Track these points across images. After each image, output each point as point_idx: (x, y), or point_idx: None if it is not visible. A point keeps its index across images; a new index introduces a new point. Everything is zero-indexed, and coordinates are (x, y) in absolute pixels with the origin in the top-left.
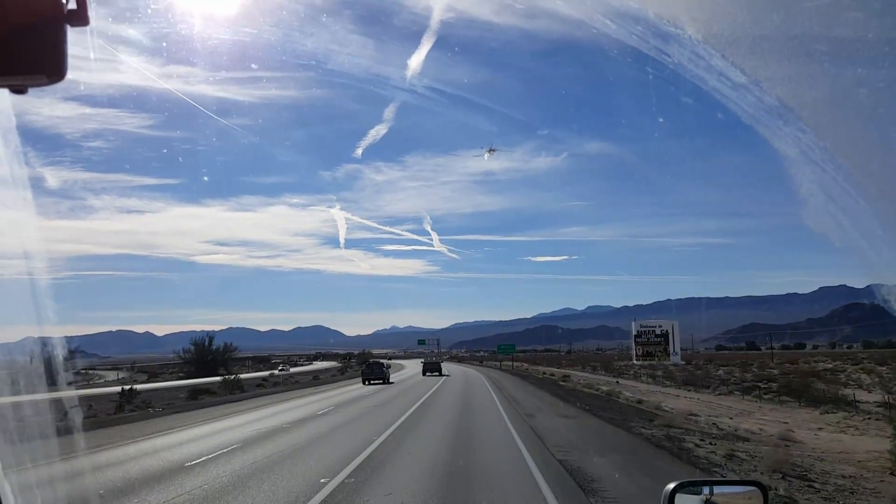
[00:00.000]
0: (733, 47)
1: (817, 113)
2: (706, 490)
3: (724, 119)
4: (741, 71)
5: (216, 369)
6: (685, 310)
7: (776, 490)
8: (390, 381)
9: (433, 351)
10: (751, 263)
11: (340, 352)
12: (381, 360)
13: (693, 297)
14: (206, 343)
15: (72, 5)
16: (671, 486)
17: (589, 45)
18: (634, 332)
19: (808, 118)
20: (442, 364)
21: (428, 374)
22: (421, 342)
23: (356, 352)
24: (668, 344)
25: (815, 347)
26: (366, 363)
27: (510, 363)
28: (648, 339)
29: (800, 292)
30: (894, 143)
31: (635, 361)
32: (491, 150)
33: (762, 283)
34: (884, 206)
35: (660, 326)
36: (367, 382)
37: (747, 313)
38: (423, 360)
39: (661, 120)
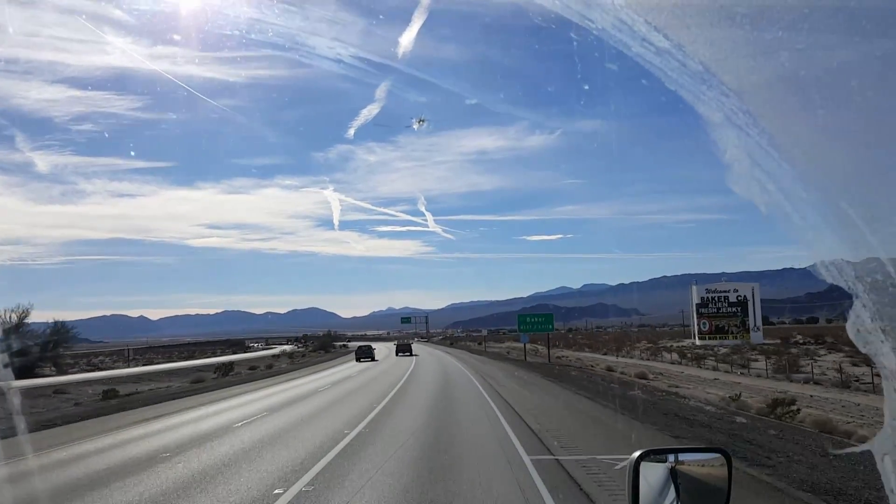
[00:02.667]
0: (656, 12)
1: (740, 77)
2: (671, 458)
3: (647, 85)
4: (664, 35)
5: (33, 368)
6: (681, 286)
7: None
8: (375, 358)
9: (428, 331)
10: (746, 239)
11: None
12: (370, 344)
13: (689, 274)
14: (13, 326)
15: None
16: (636, 454)
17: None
18: (696, 301)
19: (730, 82)
20: (431, 352)
21: (400, 354)
22: (405, 320)
23: (320, 333)
24: (746, 315)
25: (829, 322)
26: (358, 346)
27: (539, 348)
28: (718, 308)
29: (796, 267)
30: (815, 105)
31: (697, 340)
32: (420, 121)
33: (757, 258)
34: (807, 169)
35: (735, 291)
36: (359, 360)
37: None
38: (395, 342)
39: (585, 87)
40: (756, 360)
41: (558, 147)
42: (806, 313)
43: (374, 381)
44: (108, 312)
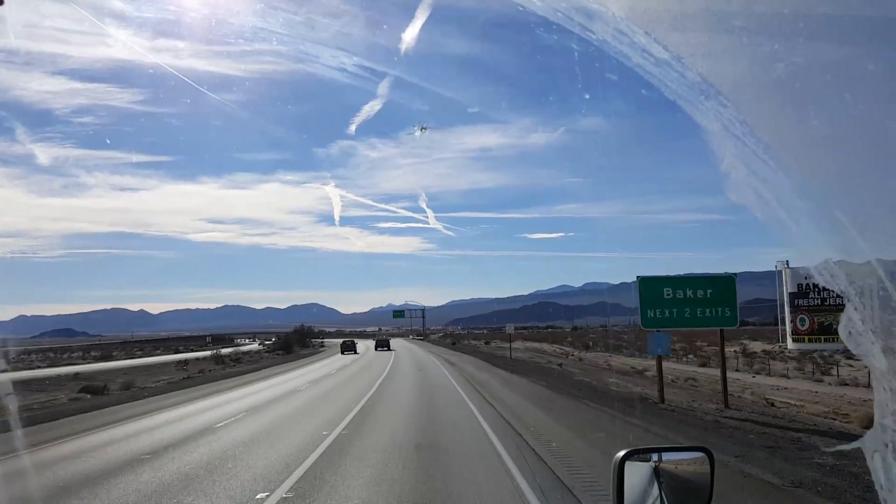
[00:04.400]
0: (656, 24)
1: (737, 88)
2: (654, 457)
3: (647, 94)
4: (663, 47)
5: None
6: None
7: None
8: (357, 352)
9: (425, 328)
10: (747, 240)
11: (330, 329)
12: (353, 339)
13: (692, 273)
14: None
15: None
16: (620, 453)
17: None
18: (791, 289)
19: (728, 93)
20: (424, 362)
21: (379, 349)
22: (398, 314)
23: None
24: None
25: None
26: (342, 341)
27: (565, 350)
28: (823, 300)
29: (795, 266)
30: (809, 117)
31: (790, 343)
32: (423, 129)
33: (760, 259)
34: (801, 179)
35: (849, 275)
36: (344, 353)
37: (748, 289)
38: (375, 338)
39: (587, 96)
40: None
41: (560, 146)
42: None
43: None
44: (108, 306)
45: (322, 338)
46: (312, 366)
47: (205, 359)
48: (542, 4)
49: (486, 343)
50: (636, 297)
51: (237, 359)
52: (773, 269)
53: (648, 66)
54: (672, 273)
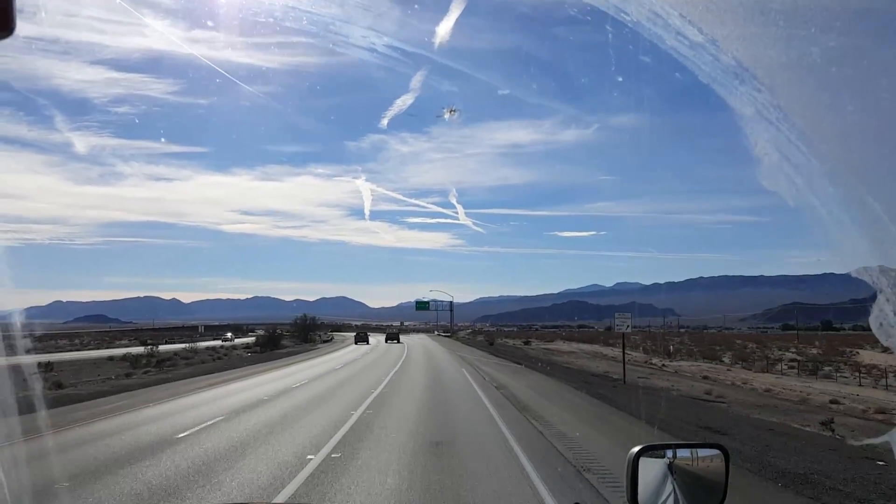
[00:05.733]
0: (691, 6)
1: (772, 73)
2: (669, 453)
3: (681, 78)
4: (698, 30)
5: None
6: (718, 288)
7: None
8: (369, 342)
9: (453, 323)
10: (783, 243)
11: (357, 323)
12: (367, 332)
13: (725, 276)
14: None
15: None
16: (635, 449)
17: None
18: None
19: (763, 78)
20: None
21: (389, 341)
22: (422, 306)
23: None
24: None
25: None
26: (356, 333)
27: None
28: None
29: (836, 272)
30: (844, 103)
31: None
32: (452, 111)
33: (795, 262)
34: (833, 165)
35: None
36: (357, 343)
37: (783, 293)
38: (385, 332)
39: (619, 78)
40: None
41: (592, 143)
42: (852, 319)
43: None
44: (141, 294)
45: (343, 331)
46: (261, 377)
47: (122, 358)
48: None
49: (526, 343)
50: (667, 297)
51: (185, 357)
52: (811, 273)
53: (683, 49)
54: (706, 275)
